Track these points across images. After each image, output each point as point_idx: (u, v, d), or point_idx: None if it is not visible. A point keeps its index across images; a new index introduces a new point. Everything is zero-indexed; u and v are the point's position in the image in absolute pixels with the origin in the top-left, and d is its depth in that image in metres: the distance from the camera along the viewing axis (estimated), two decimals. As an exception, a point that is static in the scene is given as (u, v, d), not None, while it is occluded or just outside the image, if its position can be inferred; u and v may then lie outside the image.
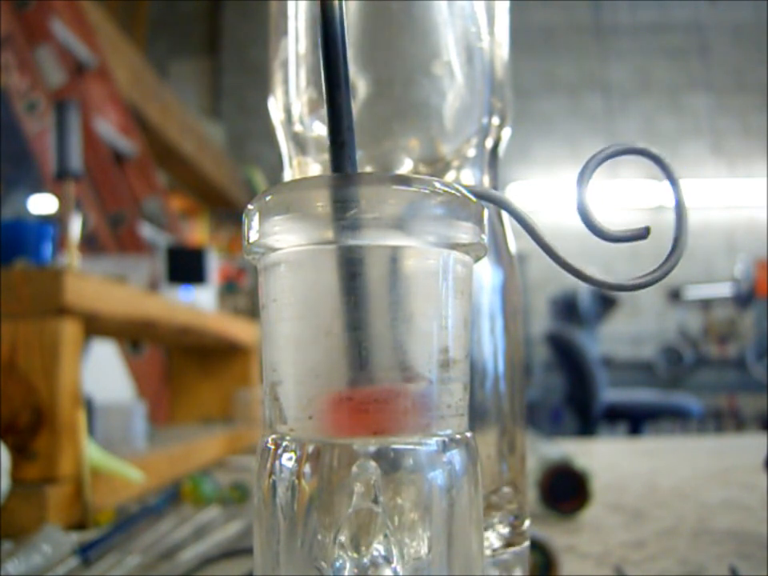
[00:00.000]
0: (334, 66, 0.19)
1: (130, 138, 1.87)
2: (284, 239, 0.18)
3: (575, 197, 0.19)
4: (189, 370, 1.16)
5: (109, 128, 1.76)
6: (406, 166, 0.28)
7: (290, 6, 0.29)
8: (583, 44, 4.52)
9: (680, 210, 0.19)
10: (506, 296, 0.30)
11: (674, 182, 0.19)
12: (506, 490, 0.28)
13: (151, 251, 1.51)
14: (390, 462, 0.17)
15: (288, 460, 0.17)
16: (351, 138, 0.19)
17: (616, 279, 0.19)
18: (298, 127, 0.29)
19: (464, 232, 0.18)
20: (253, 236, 0.18)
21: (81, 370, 0.57)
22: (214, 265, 1.25)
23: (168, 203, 1.96)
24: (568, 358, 2.99)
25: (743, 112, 4.39)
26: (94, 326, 0.65)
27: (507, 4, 0.32)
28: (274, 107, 0.31)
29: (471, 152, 0.29)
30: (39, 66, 1.59)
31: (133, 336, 1.06)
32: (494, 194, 0.20)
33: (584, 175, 0.19)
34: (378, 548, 0.16)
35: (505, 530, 0.27)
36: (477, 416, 0.28)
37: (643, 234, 0.19)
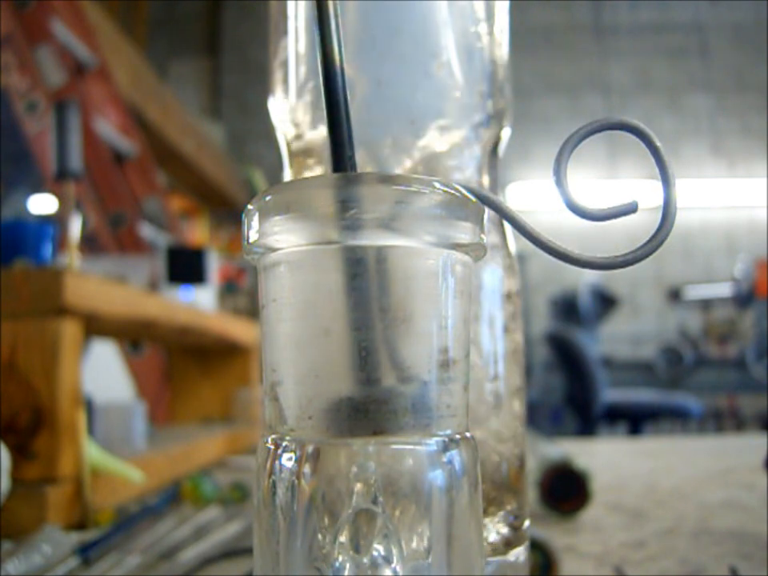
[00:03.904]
0: (331, 66, 0.19)
1: (129, 138, 1.87)
2: (284, 239, 0.18)
3: (554, 177, 0.19)
4: (189, 369, 1.16)
5: (109, 128, 1.76)
6: (405, 166, 0.28)
7: (290, 5, 0.30)
8: (583, 44, 4.52)
9: (666, 182, 0.18)
10: (506, 296, 0.30)
11: (657, 154, 0.19)
12: (506, 489, 0.28)
13: (151, 251, 1.51)
14: (389, 462, 0.17)
15: (288, 460, 0.17)
16: (351, 138, 0.19)
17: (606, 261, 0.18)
18: (298, 127, 0.29)
19: (463, 232, 0.18)
20: (252, 236, 0.18)
21: (81, 369, 0.57)
22: (214, 265, 1.25)
23: (168, 203, 1.96)
24: (568, 358, 2.99)
25: (743, 112, 4.39)
26: (94, 326, 0.65)
27: (507, 4, 0.32)
28: (274, 107, 0.31)
29: (471, 152, 0.29)
30: (39, 66, 1.59)
31: (133, 336, 1.06)
32: (473, 189, 0.19)
33: (563, 154, 0.19)
34: (377, 548, 0.16)
35: (505, 529, 0.27)
36: (477, 416, 0.28)
37: (632, 208, 0.18)
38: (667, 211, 0.18)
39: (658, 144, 0.19)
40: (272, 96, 0.31)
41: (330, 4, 0.19)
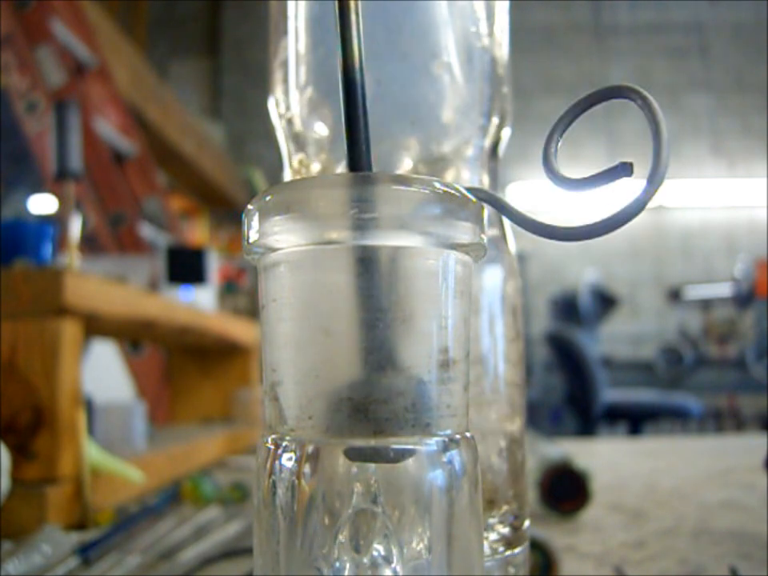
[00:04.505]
0: (351, 67, 0.19)
1: (129, 138, 1.87)
2: (284, 239, 0.18)
3: (544, 147, 0.18)
4: (189, 369, 1.16)
5: (109, 128, 1.76)
6: (405, 166, 0.28)
7: (290, 5, 0.29)
8: (583, 44, 4.52)
9: (658, 139, 0.18)
10: (506, 296, 0.30)
11: (653, 114, 0.18)
12: (506, 489, 0.28)
13: (151, 251, 1.51)
14: (389, 463, 0.17)
15: (288, 460, 0.17)
16: (367, 138, 0.19)
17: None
18: (297, 127, 0.29)
19: (464, 232, 0.18)
20: (253, 236, 0.18)
21: (81, 369, 0.57)
22: (214, 265, 1.25)
23: (168, 203, 1.96)
24: (568, 358, 2.99)
25: (743, 112, 4.39)
26: (94, 326, 0.65)
27: (507, 4, 0.32)
28: (274, 107, 0.31)
29: (471, 152, 0.29)
30: (39, 66, 1.59)
31: (133, 336, 1.06)
32: (473, 189, 0.19)
33: (558, 127, 0.18)
34: (377, 548, 0.16)
35: (505, 529, 0.27)
36: (477, 416, 0.28)
37: (624, 171, 0.18)
38: (657, 163, 0.17)
39: (656, 107, 0.18)
40: (272, 96, 0.31)
41: (352, 4, 0.19)
